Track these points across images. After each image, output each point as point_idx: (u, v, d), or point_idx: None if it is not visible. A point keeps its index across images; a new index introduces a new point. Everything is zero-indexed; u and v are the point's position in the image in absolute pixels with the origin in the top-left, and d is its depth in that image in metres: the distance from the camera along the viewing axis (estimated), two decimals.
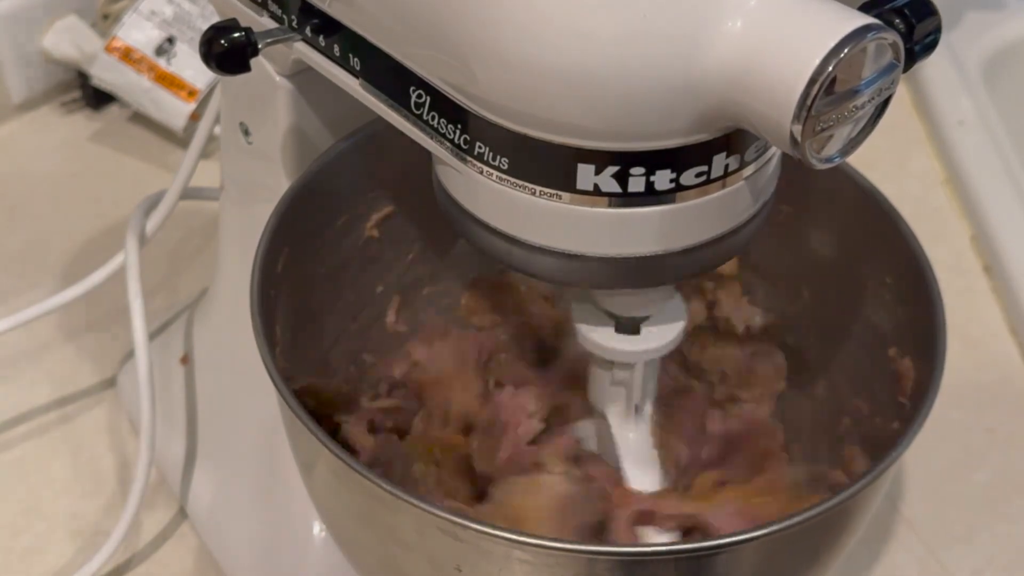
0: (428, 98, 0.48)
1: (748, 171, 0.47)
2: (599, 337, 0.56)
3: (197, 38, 0.57)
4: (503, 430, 0.66)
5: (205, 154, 0.74)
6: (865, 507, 0.55)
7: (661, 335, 0.56)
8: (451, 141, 0.48)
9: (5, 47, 0.95)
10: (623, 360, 0.57)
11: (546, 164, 0.45)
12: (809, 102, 0.41)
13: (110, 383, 0.81)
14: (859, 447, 0.64)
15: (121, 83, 0.96)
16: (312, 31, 0.53)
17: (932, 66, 1.01)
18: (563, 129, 0.44)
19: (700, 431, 0.68)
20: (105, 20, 0.99)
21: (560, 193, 0.46)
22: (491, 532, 0.49)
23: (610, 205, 0.46)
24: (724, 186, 0.46)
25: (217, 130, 0.70)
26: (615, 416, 0.60)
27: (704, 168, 0.45)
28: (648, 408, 0.61)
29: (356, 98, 0.52)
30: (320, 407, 0.61)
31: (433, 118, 0.48)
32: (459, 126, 0.47)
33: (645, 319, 0.56)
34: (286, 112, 0.61)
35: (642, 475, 0.61)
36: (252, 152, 0.65)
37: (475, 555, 0.50)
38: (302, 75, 0.60)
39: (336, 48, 0.52)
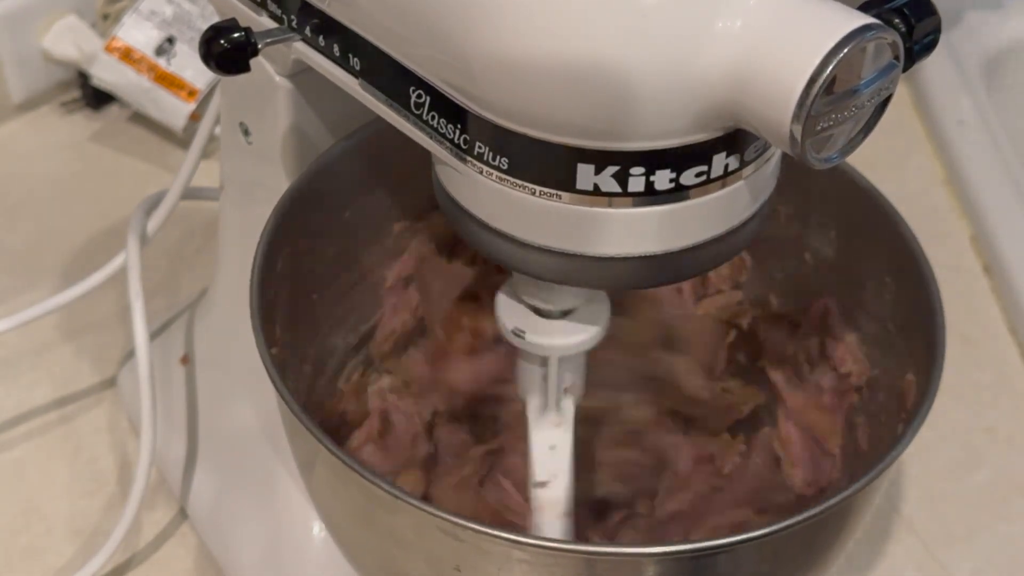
0: (428, 98, 0.48)
1: (748, 171, 0.47)
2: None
3: (197, 38, 0.57)
4: None
5: (205, 154, 0.74)
6: (864, 507, 0.55)
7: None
8: (451, 141, 0.48)
9: (5, 47, 0.95)
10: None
11: (546, 164, 0.45)
12: (809, 102, 0.41)
13: (110, 383, 0.81)
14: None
15: (121, 83, 0.96)
16: (312, 31, 0.53)
17: (932, 66, 1.01)
18: (562, 129, 0.44)
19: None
20: (105, 20, 0.99)
21: (560, 193, 0.46)
22: (490, 532, 0.49)
23: (610, 205, 0.46)
24: (724, 186, 0.46)
25: (217, 130, 0.70)
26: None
27: (704, 168, 0.45)
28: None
29: (356, 98, 0.52)
30: None
31: (433, 118, 0.48)
32: (459, 126, 0.47)
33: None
34: (286, 112, 0.61)
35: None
36: (252, 152, 0.65)
37: (474, 555, 0.50)
38: (302, 75, 0.60)
39: (336, 48, 0.52)
